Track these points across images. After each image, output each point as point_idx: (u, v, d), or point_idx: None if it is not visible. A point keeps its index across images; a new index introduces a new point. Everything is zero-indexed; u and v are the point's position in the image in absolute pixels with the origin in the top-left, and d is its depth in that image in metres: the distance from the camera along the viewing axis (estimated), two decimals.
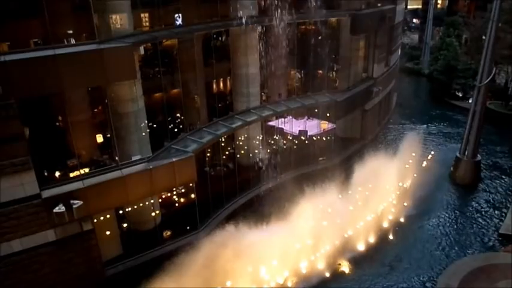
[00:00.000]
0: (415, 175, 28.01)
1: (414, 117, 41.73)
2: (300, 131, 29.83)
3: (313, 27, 29.30)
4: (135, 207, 21.37)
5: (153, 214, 22.15)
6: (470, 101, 33.31)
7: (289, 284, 20.53)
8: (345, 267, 21.68)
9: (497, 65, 40.04)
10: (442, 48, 50.07)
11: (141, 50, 19.62)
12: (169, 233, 22.62)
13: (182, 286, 18.17)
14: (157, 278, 18.84)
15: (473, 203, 27.95)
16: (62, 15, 18.54)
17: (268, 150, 29.07)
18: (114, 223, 20.96)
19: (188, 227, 22.83)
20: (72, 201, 16.78)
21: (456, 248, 23.29)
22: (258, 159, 27.69)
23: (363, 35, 32.17)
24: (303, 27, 31.08)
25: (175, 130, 24.97)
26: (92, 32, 17.90)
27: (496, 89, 43.92)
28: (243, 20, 24.99)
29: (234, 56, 26.97)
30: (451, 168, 30.55)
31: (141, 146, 20.49)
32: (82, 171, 18.43)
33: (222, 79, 30.66)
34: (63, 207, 16.54)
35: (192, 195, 22.96)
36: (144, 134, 20.82)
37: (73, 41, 18.53)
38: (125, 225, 22.36)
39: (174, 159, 20.11)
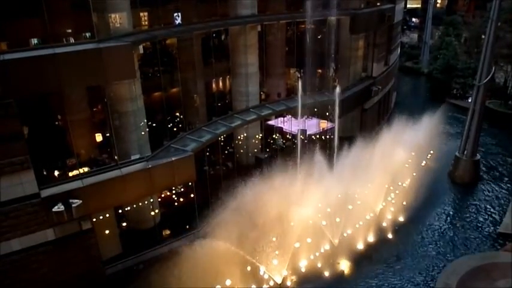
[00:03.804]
0: (414, 174, 28.02)
1: (413, 117, 41.69)
2: (299, 130, 29.79)
3: (313, 26, 29.28)
4: (135, 206, 21.36)
5: (152, 213, 22.14)
6: (469, 100, 33.36)
7: (289, 283, 20.54)
8: (344, 266, 21.70)
9: (496, 64, 40.10)
10: (442, 48, 50.11)
11: (141, 49, 19.60)
12: (168, 232, 22.62)
13: None
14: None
15: (472, 202, 27.98)
16: (61, 14, 18.48)
17: (267, 149, 29.13)
18: (113, 222, 20.96)
19: (187, 226, 22.84)
20: (71, 201, 16.78)
21: (455, 247, 23.32)
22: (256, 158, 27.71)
23: (362, 34, 32.17)
24: (302, 26, 31.06)
25: (175, 129, 24.94)
26: (91, 31, 17.88)
27: (495, 88, 43.94)
28: (243, 19, 25.00)
29: (234, 55, 26.95)
30: (451, 167, 30.58)
31: (140, 145, 20.48)
32: (81, 171, 18.42)
33: (221, 78, 30.63)
34: (62, 207, 16.53)
35: (192, 195, 22.95)
36: (143, 133, 20.81)
37: (72, 40, 18.50)
38: (124, 224, 22.34)
39: (173, 159, 20.12)
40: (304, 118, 29.70)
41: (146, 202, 21.63)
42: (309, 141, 29.76)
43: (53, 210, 16.46)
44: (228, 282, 19.08)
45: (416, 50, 64.55)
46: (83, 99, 20.85)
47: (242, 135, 28.13)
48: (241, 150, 28.58)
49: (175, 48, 24.74)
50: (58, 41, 17.42)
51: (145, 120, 21.06)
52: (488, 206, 27.16)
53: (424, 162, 30.14)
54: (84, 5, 17.23)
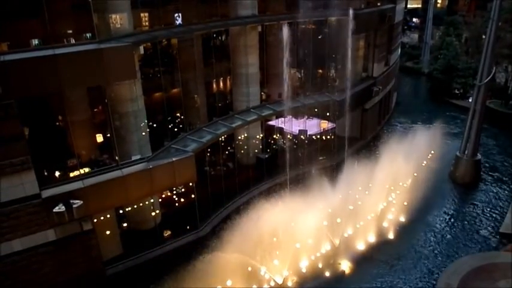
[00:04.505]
0: (415, 174, 27.98)
1: (414, 117, 41.78)
2: (299, 130, 29.80)
3: (313, 26, 29.29)
4: (135, 206, 21.39)
5: (153, 214, 22.15)
6: (470, 100, 33.33)
7: (290, 284, 20.52)
8: (345, 266, 21.69)
9: (497, 65, 40.07)
10: (442, 48, 50.08)
11: (141, 50, 19.62)
12: (169, 232, 22.62)
13: None
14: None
15: (473, 202, 27.94)
16: (61, 15, 18.49)
17: (268, 150, 29.10)
18: (114, 223, 20.97)
19: (188, 227, 22.84)
20: (72, 201, 16.78)
21: (456, 247, 23.29)
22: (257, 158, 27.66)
23: (362, 34, 32.12)
24: (303, 26, 31.03)
25: (175, 130, 24.95)
26: (92, 32, 17.89)
27: (496, 88, 43.93)
28: (243, 20, 24.99)
29: (234, 56, 26.96)
30: (451, 167, 30.54)
31: (141, 145, 20.49)
32: (82, 171, 18.44)
33: (221, 78, 30.61)
34: (63, 207, 16.54)
35: (192, 195, 22.96)
36: (144, 133, 20.82)
37: (73, 41, 18.51)
38: (125, 224, 22.34)
39: (173, 159, 20.14)
40: (304, 118, 29.73)
41: (147, 203, 21.63)
42: (310, 142, 29.80)
43: (54, 210, 16.47)
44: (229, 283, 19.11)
45: (417, 50, 64.55)
46: (83, 99, 20.87)
47: (243, 136, 28.14)
48: (242, 151, 28.58)
49: (175, 48, 24.73)
50: (59, 42, 17.41)
51: (146, 121, 21.06)
52: (489, 206, 27.12)
53: (424, 162, 30.11)
54: (84, 6, 17.26)
